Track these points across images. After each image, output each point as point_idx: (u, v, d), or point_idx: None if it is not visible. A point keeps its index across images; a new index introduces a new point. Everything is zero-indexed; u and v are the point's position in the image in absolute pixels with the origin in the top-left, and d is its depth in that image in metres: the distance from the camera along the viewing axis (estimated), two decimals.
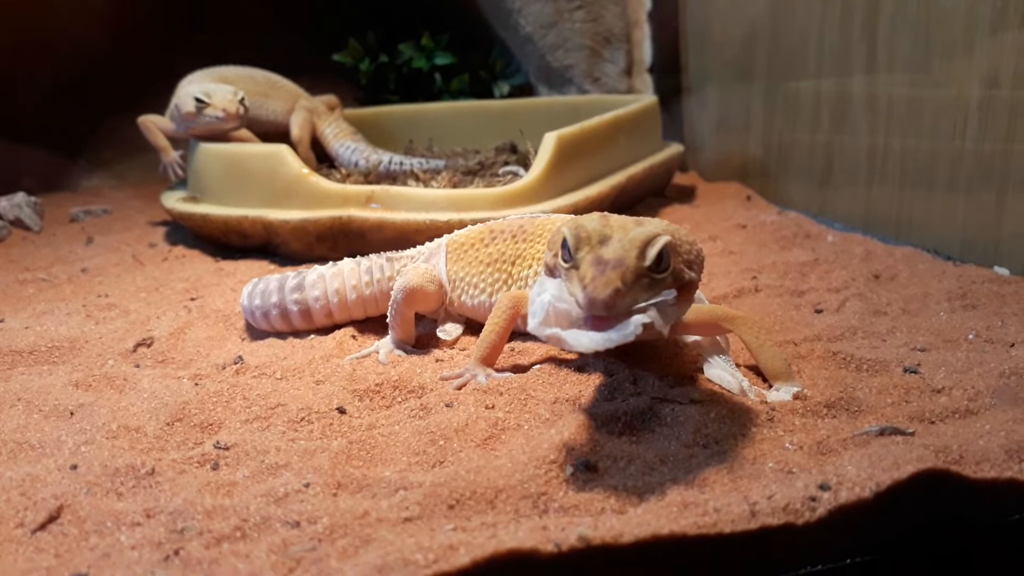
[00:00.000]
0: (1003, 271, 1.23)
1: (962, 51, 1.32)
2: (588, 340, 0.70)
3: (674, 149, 1.94)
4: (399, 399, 0.94)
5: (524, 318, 0.99)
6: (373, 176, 1.78)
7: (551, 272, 0.79)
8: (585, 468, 0.74)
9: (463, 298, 1.12)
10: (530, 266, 1.06)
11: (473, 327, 1.10)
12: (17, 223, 1.91)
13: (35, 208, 1.95)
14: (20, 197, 1.95)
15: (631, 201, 1.75)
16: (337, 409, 0.91)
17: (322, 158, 1.98)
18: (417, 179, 1.72)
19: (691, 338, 0.99)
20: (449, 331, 1.12)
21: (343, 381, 0.98)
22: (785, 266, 1.33)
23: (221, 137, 1.74)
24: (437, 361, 1.03)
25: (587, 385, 0.91)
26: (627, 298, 0.71)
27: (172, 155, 1.86)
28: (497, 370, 0.98)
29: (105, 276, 1.51)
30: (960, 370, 0.91)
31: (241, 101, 1.70)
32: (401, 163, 1.84)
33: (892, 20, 1.46)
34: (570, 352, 0.81)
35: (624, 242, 0.73)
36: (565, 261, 0.75)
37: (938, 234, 1.40)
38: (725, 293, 1.22)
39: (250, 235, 1.55)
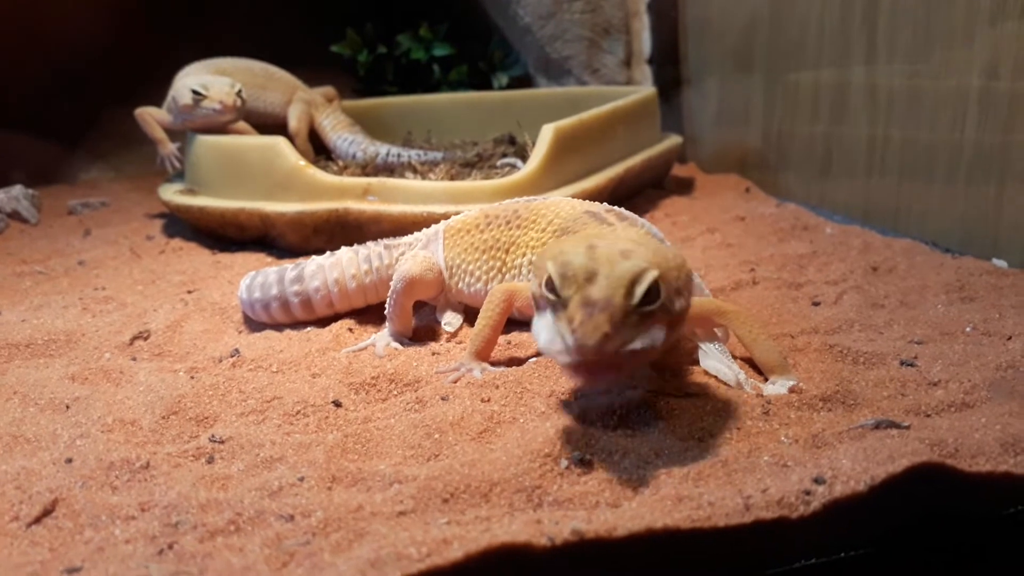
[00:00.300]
0: (1001, 263, 1.23)
1: (962, 42, 1.32)
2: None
3: (673, 141, 1.94)
4: (395, 392, 0.94)
5: (520, 309, 1.00)
6: (371, 168, 1.78)
7: (536, 301, 0.76)
8: (579, 462, 0.74)
9: (460, 285, 1.12)
10: (524, 255, 1.05)
11: (473, 315, 1.10)
12: (14, 215, 1.90)
13: (32, 200, 1.95)
14: (17, 189, 1.95)
15: (629, 192, 1.74)
16: (333, 402, 0.90)
17: (320, 150, 1.97)
18: (415, 171, 1.71)
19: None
20: (451, 322, 1.12)
21: (339, 374, 0.98)
22: (783, 258, 1.33)
23: (218, 129, 1.73)
24: (433, 354, 1.03)
25: None
26: (616, 340, 0.68)
27: (169, 147, 1.85)
28: (492, 363, 0.97)
29: (102, 269, 1.51)
30: (957, 363, 0.90)
31: (238, 93, 1.70)
32: (399, 155, 1.84)
33: (892, 11, 1.46)
34: None
35: (612, 279, 0.70)
36: (551, 294, 0.72)
37: (937, 226, 1.39)
38: (723, 286, 1.22)
39: (247, 227, 1.55)
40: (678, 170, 2.05)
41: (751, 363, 0.95)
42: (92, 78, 2.34)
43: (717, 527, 0.64)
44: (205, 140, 1.69)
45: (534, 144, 1.55)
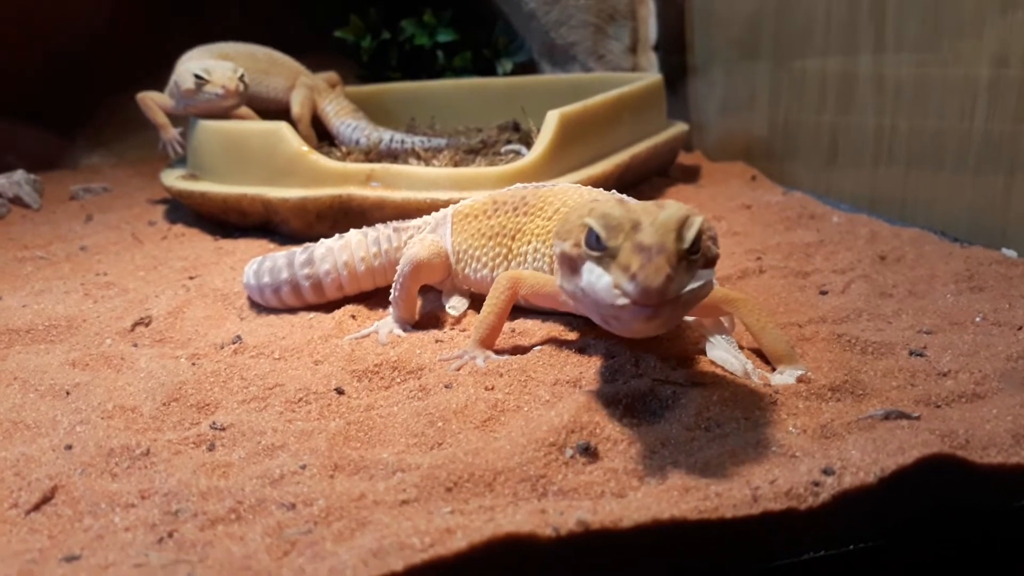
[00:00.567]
0: (1011, 253, 1.21)
1: (972, 30, 1.31)
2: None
3: (679, 128, 1.92)
4: (398, 380, 0.93)
5: (525, 297, 0.99)
6: (374, 154, 1.77)
7: (572, 263, 0.76)
8: (585, 451, 0.73)
9: (466, 271, 1.11)
10: (529, 242, 1.04)
11: (479, 300, 1.09)
12: (16, 201, 1.89)
13: (34, 186, 1.94)
14: (19, 175, 1.94)
15: (635, 180, 1.73)
16: (335, 390, 0.90)
17: (323, 136, 1.96)
18: (418, 157, 1.70)
19: (690, 318, 0.98)
20: (456, 306, 1.12)
21: (342, 361, 0.97)
22: (790, 247, 1.32)
23: (221, 114, 1.72)
24: (437, 342, 1.02)
25: (588, 367, 0.90)
26: (676, 281, 0.69)
27: (171, 132, 1.84)
28: (497, 351, 0.97)
29: (104, 254, 1.50)
30: (967, 353, 0.89)
31: (241, 78, 1.68)
32: (402, 141, 1.82)
33: None
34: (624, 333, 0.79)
35: (658, 226, 0.71)
36: (593, 251, 0.72)
37: (945, 215, 1.38)
38: (729, 274, 1.21)
39: (249, 213, 1.54)
40: (684, 158, 2.03)
41: (758, 353, 0.95)
42: (94, 63, 2.33)
43: (725, 518, 0.63)
44: (207, 125, 1.67)
45: (539, 131, 1.53)
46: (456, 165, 1.60)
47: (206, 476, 0.73)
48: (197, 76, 1.67)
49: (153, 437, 0.81)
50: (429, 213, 1.23)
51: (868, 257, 1.24)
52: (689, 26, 2.16)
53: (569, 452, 0.73)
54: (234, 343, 1.05)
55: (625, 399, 0.82)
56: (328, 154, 1.67)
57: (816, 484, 0.65)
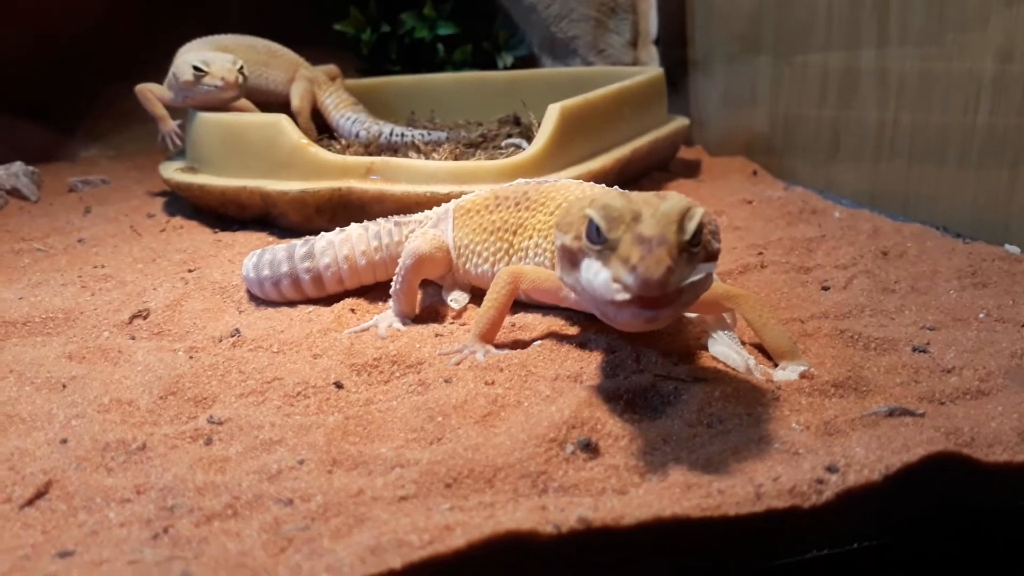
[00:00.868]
0: (1014, 249, 1.21)
1: (976, 24, 1.30)
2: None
3: (679, 123, 1.91)
4: (397, 374, 0.93)
5: (526, 291, 0.98)
6: (374, 147, 1.76)
7: (572, 256, 0.75)
8: (585, 447, 0.73)
9: (467, 266, 1.10)
10: (530, 237, 1.03)
11: (479, 295, 1.08)
12: (14, 192, 1.88)
13: (32, 178, 1.93)
14: (17, 166, 1.93)
15: (635, 175, 1.72)
16: (334, 384, 0.89)
17: (323, 129, 1.95)
18: (418, 151, 1.69)
19: (692, 314, 0.97)
20: (457, 299, 1.12)
21: (341, 355, 0.96)
22: (791, 242, 1.31)
23: (220, 107, 1.71)
24: (437, 336, 1.02)
25: (589, 362, 0.90)
26: (677, 274, 0.68)
27: (170, 124, 1.83)
28: (497, 346, 0.96)
29: (102, 247, 1.49)
30: (971, 350, 0.89)
31: (240, 70, 1.67)
32: (402, 134, 1.81)
33: None
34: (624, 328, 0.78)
35: (659, 217, 0.70)
36: (593, 243, 0.72)
37: (948, 211, 1.37)
38: (730, 269, 1.20)
39: (248, 206, 1.53)
40: (684, 152, 2.02)
41: (760, 348, 0.94)
42: (93, 55, 2.32)
43: (727, 516, 0.62)
44: (206, 117, 1.66)
45: (539, 124, 1.52)
46: (456, 159, 1.59)
47: (202, 471, 0.72)
48: (196, 68, 1.66)
49: (149, 431, 0.80)
50: (429, 207, 1.22)
51: (870, 252, 1.23)
52: (690, 20, 2.15)
53: (570, 448, 0.72)
54: (232, 336, 1.04)
55: (626, 394, 0.81)
56: (328, 147, 1.66)
57: (820, 481, 0.64)
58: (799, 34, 1.72)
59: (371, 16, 2.38)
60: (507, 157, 1.49)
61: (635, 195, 0.75)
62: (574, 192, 1.01)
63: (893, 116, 1.48)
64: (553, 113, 1.50)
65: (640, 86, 1.77)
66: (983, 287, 1.08)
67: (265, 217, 1.54)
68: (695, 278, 0.70)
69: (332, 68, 2.06)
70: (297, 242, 1.17)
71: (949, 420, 0.74)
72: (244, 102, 1.79)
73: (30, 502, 0.70)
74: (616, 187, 1.03)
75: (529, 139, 1.62)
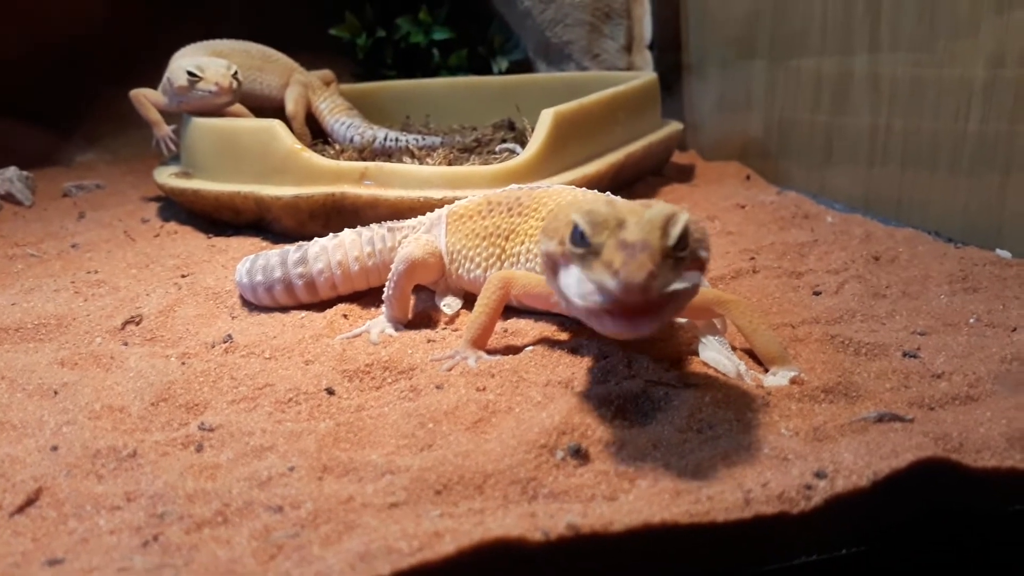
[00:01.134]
0: (1005, 254, 1.21)
1: (967, 30, 1.30)
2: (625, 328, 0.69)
3: (673, 127, 1.92)
4: (389, 380, 0.93)
5: (517, 296, 0.98)
6: (368, 152, 1.76)
7: (554, 261, 0.75)
8: (576, 453, 0.73)
9: (460, 271, 1.10)
10: (522, 242, 1.04)
11: (472, 301, 1.09)
12: (8, 197, 1.89)
13: (27, 183, 1.93)
14: (12, 171, 1.93)
15: (629, 180, 1.72)
16: (326, 390, 0.89)
17: (317, 134, 1.95)
18: (412, 156, 1.69)
19: (682, 320, 0.97)
20: (450, 304, 1.12)
21: (333, 361, 0.96)
22: (784, 247, 1.31)
23: (214, 112, 1.71)
24: (429, 342, 1.02)
25: (580, 367, 0.90)
26: (659, 279, 0.67)
27: (165, 129, 1.83)
28: (488, 352, 0.96)
29: (95, 252, 1.49)
30: (961, 355, 0.89)
31: (234, 75, 1.68)
32: (397, 139, 1.82)
33: None
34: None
35: (643, 223, 0.70)
36: (577, 247, 0.71)
37: (939, 216, 1.38)
38: (723, 274, 1.20)
39: (242, 211, 1.53)
40: (678, 157, 2.03)
41: (751, 354, 0.94)
42: (88, 60, 2.32)
43: (716, 522, 0.62)
44: (201, 123, 1.67)
45: (533, 129, 1.53)
46: (450, 164, 1.59)
47: (193, 478, 0.72)
48: (190, 73, 1.66)
49: (140, 438, 0.81)
50: (423, 212, 1.23)
51: (862, 257, 1.23)
52: (684, 25, 2.16)
53: (560, 454, 0.73)
54: (225, 342, 1.04)
55: (617, 400, 0.81)
56: (322, 152, 1.67)
57: (808, 487, 0.64)
58: (793, 39, 1.73)
59: (367, 21, 2.38)
60: (501, 162, 1.49)
61: (621, 202, 0.75)
62: (566, 198, 1.02)
63: (886, 121, 1.49)
64: (547, 118, 1.50)
65: (634, 91, 1.78)
66: (974, 292, 1.08)
67: (259, 222, 1.54)
68: (680, 286, 0.70)
69: (327, 73, 2.06)
70: (290, 247, 1.17)
71: (938, 425, 0.74)
72: (238, 107, 1.79)
73: (20, 509, 0.70)
74: (608, 193, 1.03)
75: (523, 144, 1.62)
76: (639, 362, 0.89)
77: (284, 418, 0.84)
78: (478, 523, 0.62)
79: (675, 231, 0.70)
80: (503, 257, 1.06)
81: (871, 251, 1.26)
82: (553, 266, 0.76)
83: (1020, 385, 0.81)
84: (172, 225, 1.64)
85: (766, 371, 0.90)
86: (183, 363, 0.97)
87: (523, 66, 2.36)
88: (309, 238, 1.20)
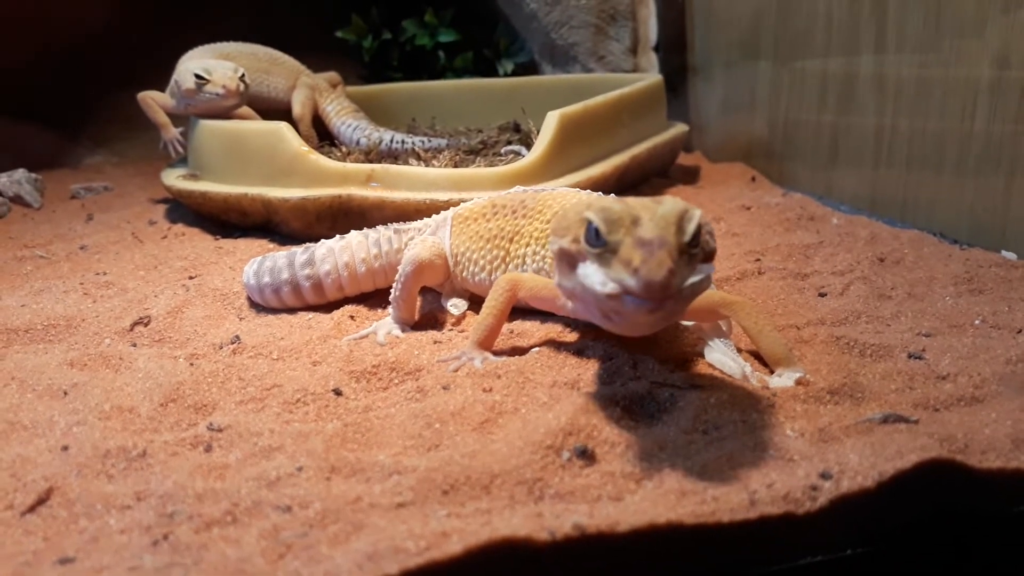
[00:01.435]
0: (1010, 255, 1.21)
1: (973, 31, 1.30)
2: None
3: (679, 129, 1.92)
4: (396, 381, 0.93)
5: (524, 299, 0.98)
6: (374, 154, 1.76)
7: (570, 259, 0.76)
8: (582, 454, 0.73)
9: (465, 274, 1.11)
10: (527, 244, 1.04)
11: (478, 302, 1.09)
12: (17, 200, 1.89)
13: (35, 185, 1.94)
14: (20, 173, 1.94)
15: (635, 181, 1.73)
16: (333, 391, 0.89)
17: (324, 136, 1.96)
18: (418, 158, 1.70)
19: (688, 322, 0.97)
20: (457, 305, 1.12)
21: (340, 362, 0.97)
22: (789, 248, 1.31)
23: (222, 114, 1.72)
24: (435, 343, 1.02)
25: (586, 369, 0.90)
26: (678, 275, 0.69)
27: (172, 132, 1.84)
28: (495, 353, 0.96)
29: (104, 254, 1.50)
30: (966, 356, 0.89)
31: (241, 78, 1.68)
32: (403, 141, 1.82)
33: None
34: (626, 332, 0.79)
35: (658, 220, 0.71)
36: (593, 246, 0.72)
37: (945, 217, 1.38)
38: (728, 276, 1.20)
39: (250, 213, 1.54)
40: (684, 159, 2.03)
41: (756, 356, 0.94)
42: (96, 63, 2.33)
43: (722, 523, 0.62)
44: (208, 125, 1.67)
45: (539, 131, 1.53)
46: (456, 166, 1.60)
47: (202, 478, 0.73)
48: (198, 76, 1.67)
49: (150, 438, 0.81)
50: (428, 214, 1.23)
51: (867, 259, 1.24)
52: (689, 27, 2.16)
53: (566, 455, 0.73)
54: (233, 343, 1.04)
55: (623, 401, 0.82)
56: (328, 154, 1.67)
57: (814, 488, 0.65)
58: (798, 40, 1.73)
59: (373, 23, 2.39)
60: (507, 164, 1.49)
61: (632, 200, 0.76)
62: (570, 200, 1.02)
63: (891, 122, 1.49)
64: (552, 120, 1.50)
65: (639, 93, 1.78)
66: (979, 293, 1.09)
67: (267, 224, 1.55)
68: (695, 279, 0.71)
69: (333, 75, 2.07)
70: (297, 249, 1.18)
71: (943, 427, 0.74)
72: (246, 110, 1.79)
73: (31, 509, 0.70)
74: (612, 195, 1.03)
75: (529, 146, 1.63)
76: (645, 363, 0.89)
77: (292, 419, 0.85)
78: (485, 523, 0.63)
79: (690, 227, 0.72)
80: (507, 259, 1.07)
81: (876, 252, 1.26)
82: (568, 262, 0.76)
83: None
84: (180, 227, 1.65)
85: (771, 372, 0.90)
86: (191, 364, 0.97)
87: (528, 68, 2.36)
88: (316, 240, 1.20)
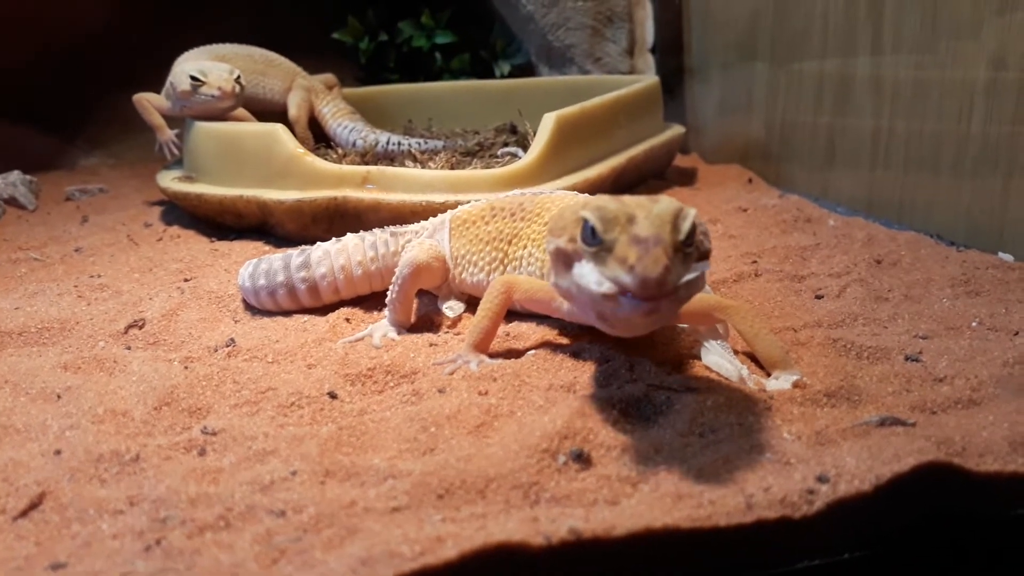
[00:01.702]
0: (1007, 257, 1.21)
1: (969, 32, 1.30)
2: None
3: (675, 131, 1.92)
4: (391, 384, 0.93)
5: (519, 301, 0.98)
6: (370, 156, 1.76)
7: (566, 258, 0.76)
8: (578, 458, 0.73)
9: (463, 275, 1.11)
10: (525, 247, 1.04)
11: (475, 304, 1.09)
12: (11, 202, 1.89)
13: (30, 187, 1.93)
14: (15, 175, 1.93)
15: (631, 183, 1.72)
16: (328, 394, 0.89)
17: (320, 138, 1.95)
18: (415, 160, 1.69)
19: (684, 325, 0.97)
20: (453, 307, 1.12)
21: (335, 365, 0.96)
22: (786, 250, 1.31)
23: (217, 116, 1.71)
24: (431, 345, 1.02)
25: (582, 371, 0.90)
26: (674, 273, 0.69)
27: (168, 134, 1.83)
28: (491, 356, 0.96)
29: (99, 256, 1.50)
30: (963, 359, 0.89)
31: (237, 80, 1.68)
32: (399, 143, 1.82)
33: (899, 0, 1.44)
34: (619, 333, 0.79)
35: (653, 218, 0.71)
36: (589, 245, 0.72)
37: (942, 219, 1.38)
38: (724, 278, 1.20)
39: (245, 215, 1.54)
40: (680, 160, 2.03)
41: (753, 358, 0.94)
42: (92, 64, 2.32)
43: (718, 527, 0.62)
44: (203, 127, 1.67)
45: (535, 133, 1.53)
46: (452, 168, 1.59)
47: (196, 482, 0.72)
48: (193, 78, 1.66)
49: (143, 442, 0.81)
50: (424, 216, 1.23)
51: (864, 261, 1.23)
52: (686, 28, 2.16)
53: (562, 459, 0.73)
54: (228, 346, 1.04)
55: (619, 404, 0.81)
56: (324, 156, 1.67)
57: (811, 492, 0.64)
58: (795, 42, 1.73)
59: (369, 25, 2.38)
60: (503, 166, 1.49)
61: (627, 198, 0.76)
62: (568, 203, 1.02)
63: (888, 124, 1.49)
64: (549, 122, 1.50)
65: (636, 94, 1.78)
66: (976, 295, 1.08)
67: (262, 226, 1.54)
68: (690, 276, 0.72)
69: (329, 77, 2.06)
70: (293, 252, 1.17)
71: (940, 430, 0.74)
72: (241, 111, 1.79)
73: (23, 513, 0.70)
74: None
75: (525, 148, 1.63)
76: (641, 366, 0.89)
77: (286, 422, 0.84)
78: (480, 528, 0.62)
79: (685, 226, 0.72)
80: (506, 261, 1.06)
81: (873, 254, 1.26)
82: (564, 262, 0.76)
83: (1022, 389, 0.81)
84: (175, 229, 1.65)
85: (768, 375, 0.90)
86: (186, 367, 0.97)
87: (525, 70, 2.36)
88: (312, 242, 1.20)
